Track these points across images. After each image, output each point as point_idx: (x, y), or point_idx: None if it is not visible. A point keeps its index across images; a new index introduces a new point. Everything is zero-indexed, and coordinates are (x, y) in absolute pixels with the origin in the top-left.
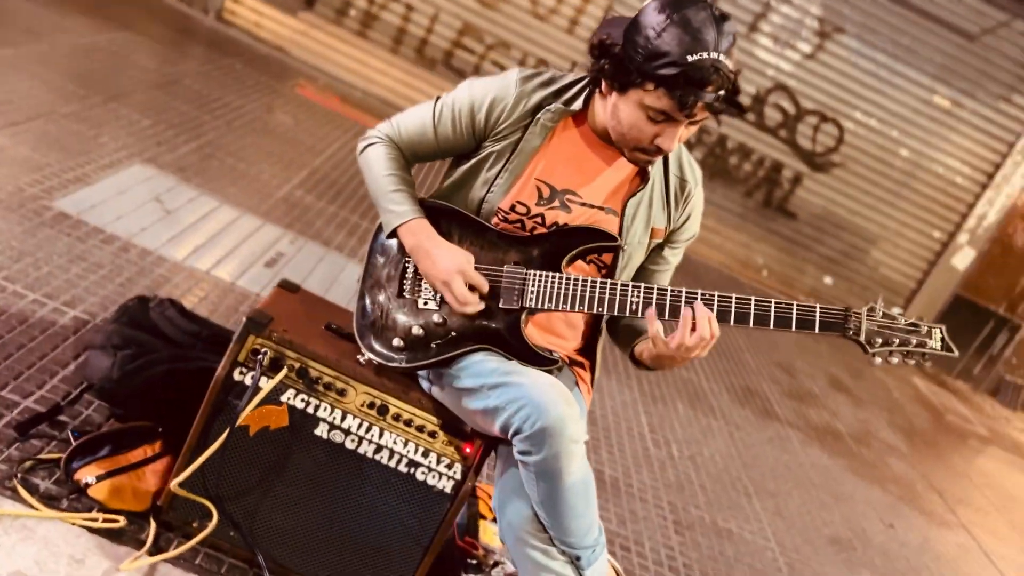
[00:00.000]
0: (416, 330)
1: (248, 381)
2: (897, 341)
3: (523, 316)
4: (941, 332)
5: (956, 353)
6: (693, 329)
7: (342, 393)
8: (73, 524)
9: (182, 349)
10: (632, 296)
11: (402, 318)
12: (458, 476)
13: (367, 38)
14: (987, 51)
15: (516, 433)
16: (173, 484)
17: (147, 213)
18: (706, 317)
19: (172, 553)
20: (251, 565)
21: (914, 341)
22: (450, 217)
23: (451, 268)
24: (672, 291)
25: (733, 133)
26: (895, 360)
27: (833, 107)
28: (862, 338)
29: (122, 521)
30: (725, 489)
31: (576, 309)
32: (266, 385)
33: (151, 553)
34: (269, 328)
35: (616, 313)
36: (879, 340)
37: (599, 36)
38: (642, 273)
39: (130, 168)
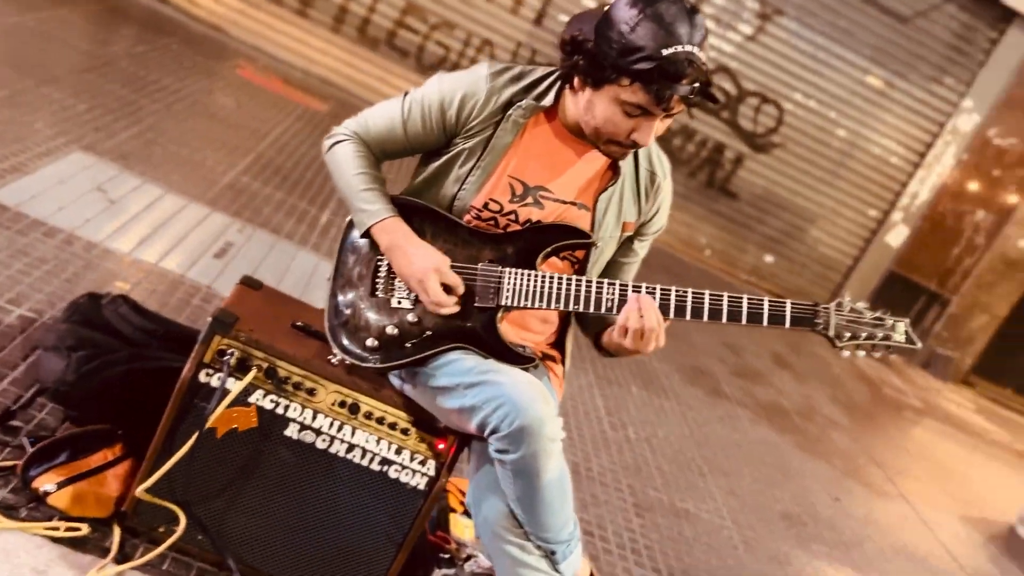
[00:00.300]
0: (391, 329)
1: (215, 382)
2: (864, 335)
3: (499, 314)
4: (905, 325)
5: (919, 345)
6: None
7: (312, 392)
8: (34, 534)
9: (139, 348)
10: (607, 293)
11: (376, 318)
12: (432, 473)
13: (307, 17)
14: (919, 33)
15: (493, 432)
16: (139, 490)
17: (90, 203)
18: (646, 307)
19: (139, 561)
20: (220, 568)
21: (880, 334)
22: (423, 215)
23: (427, 268)
24: (647, 288)
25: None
26: (861, 353)
27: (773, 88)
28: (831, 333)
29: (85, 529)
30: (681, 469)
31: (552, 307)
32: (235, 387)
33: (117, 561)
34: (235, 328)
35: (592, 311)
36: (847, 334)
37: (570, 32)
38: (611, 266)
39: (69, 156)
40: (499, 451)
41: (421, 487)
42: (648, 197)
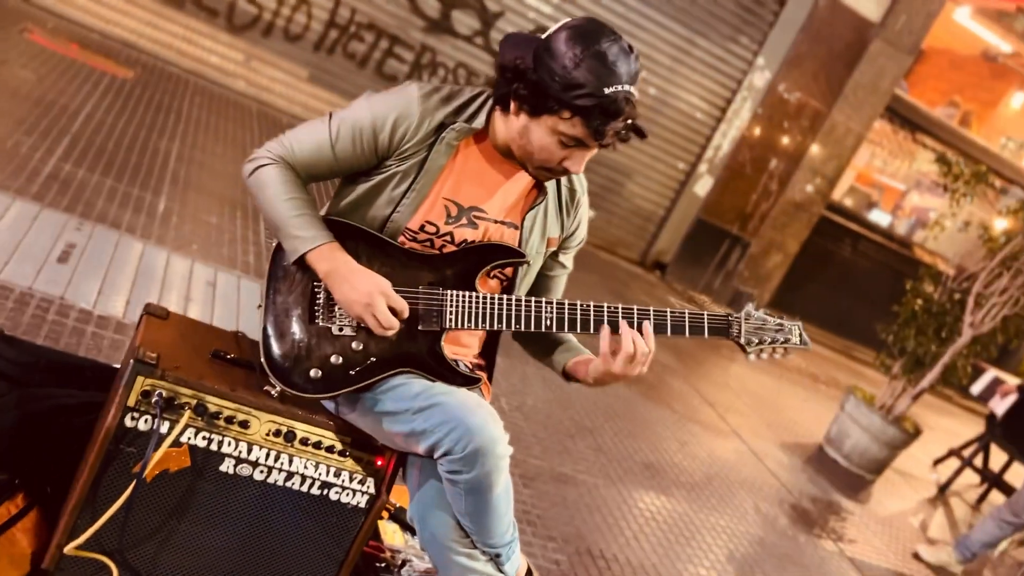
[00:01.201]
0: (334, 359)
1: (142, 426)
2: (768, 339)
3: (442, 337)
4: (799, 328)
5: (810, 346)
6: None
7: (245, 425)
8: None
9: (23, 388)
10: (545, 312)
11: (317, 347)
12: (371, 490)
13: None
14: None
15: (445, 454)
16: (69, 547)
17: None
18: (637, 335)
19: None
20: None
21: (781, 338)
22: (356, 237)
23: (373, 291)
24: (582, 306)
25: (485, 68)
26: (764, 356)
27: None
28: (742, 340)
29: None
30: (553, 434)
31: (494, 327)
32: (172, 431)
33: None
34: (159, 367)
35: (532, 329)
36: (755, 340)
37: (510, 58)
38: (540, 280)
39: None
40: (452, 472)
41: (362, 505)
42: (569, 213)
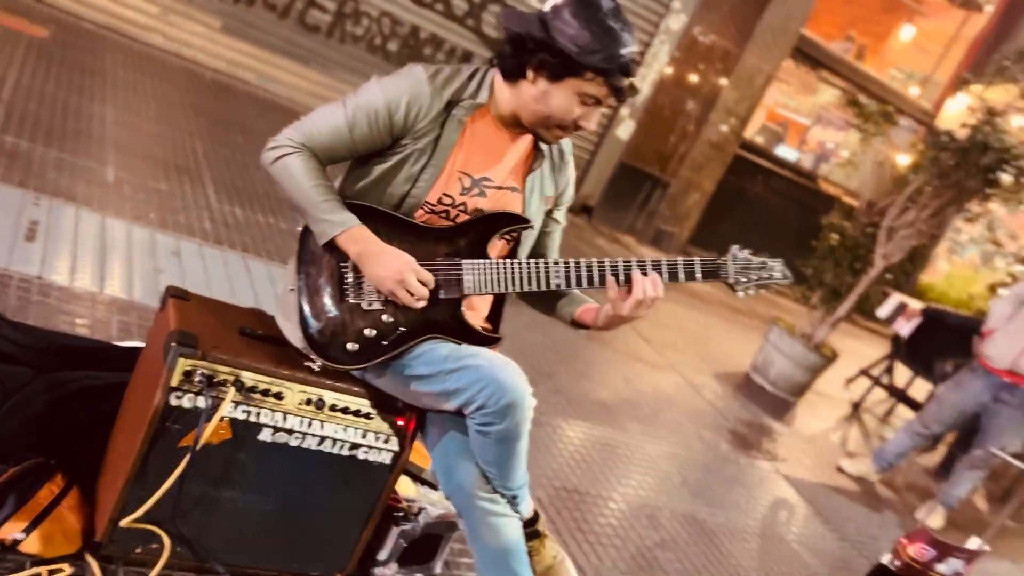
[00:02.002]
0: (368, 332)
1: (186, 404)
2: (755, 277)
3: (462, 303)
4: (780, 264)
5: (791, 279)
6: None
7: (279, 396)
8: None
9: (48, 372)
10: (553, 272)
11: (351, 323)
12: (395, 448)
13: None
14: None
15: (479, 409)
16: (125, 521)
17: None
18: (650, 282)
19: None
20: (200, 573)
21: (765, 275)
22: (375, 218)
23: (403, 268)
24: (586, 263)
25: (425, 24)
26: (752, 292)
27: None
28: (731, 280)
29: (68, 569)
30: None
31: (508, 290)
32: (220, 407)
33: None
34: (199, 348)
35: (543, 289)
36: (743, 279)
37: (519, 29)
38: (539, 238)
39: None
40: (484, 424)
41: (387, 462)
42: (562, 171)
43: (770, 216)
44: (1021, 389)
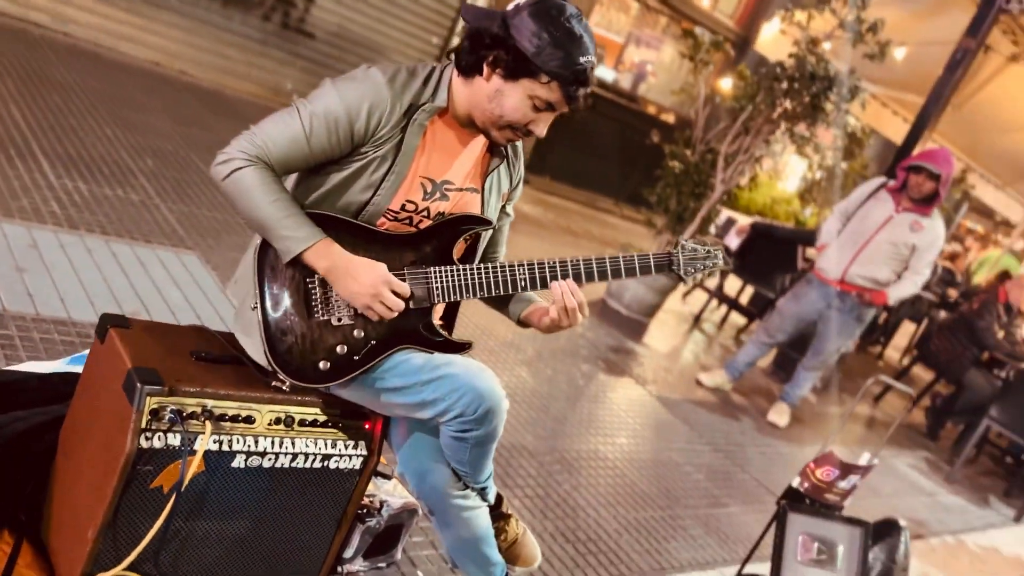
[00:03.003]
0: (340, 348)
1: (157, 444)
2: (701, 267)
3: (431, 311)
4: (721, 251)
5: (732, 265)
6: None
7: (250, 420)
8: None
9: None
10: (519, 273)
11: (321, 340)
12: (364, 452)
13: None
14: None
15: (456, 417)
16: (114, 572)
17: None
18: (567, 290)
19: None
20: None
21: (710, 263)
22: (336, 228)
23: (377, 281)
24: (548, 263)
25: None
26: (699, 277)
27: None
28: (681, 272)
29: None
30: None
31: (476, 296)
32: (203, 444)
33: None
34: (166, 385)
35: (509, 292)
36: (690, 269)
37: (480, 25)
38: (493, 232)
39: None
40: (462, 431)
41: (357, 467)
42: (515, 166)
43: (595, 137)
44: (851, 297)
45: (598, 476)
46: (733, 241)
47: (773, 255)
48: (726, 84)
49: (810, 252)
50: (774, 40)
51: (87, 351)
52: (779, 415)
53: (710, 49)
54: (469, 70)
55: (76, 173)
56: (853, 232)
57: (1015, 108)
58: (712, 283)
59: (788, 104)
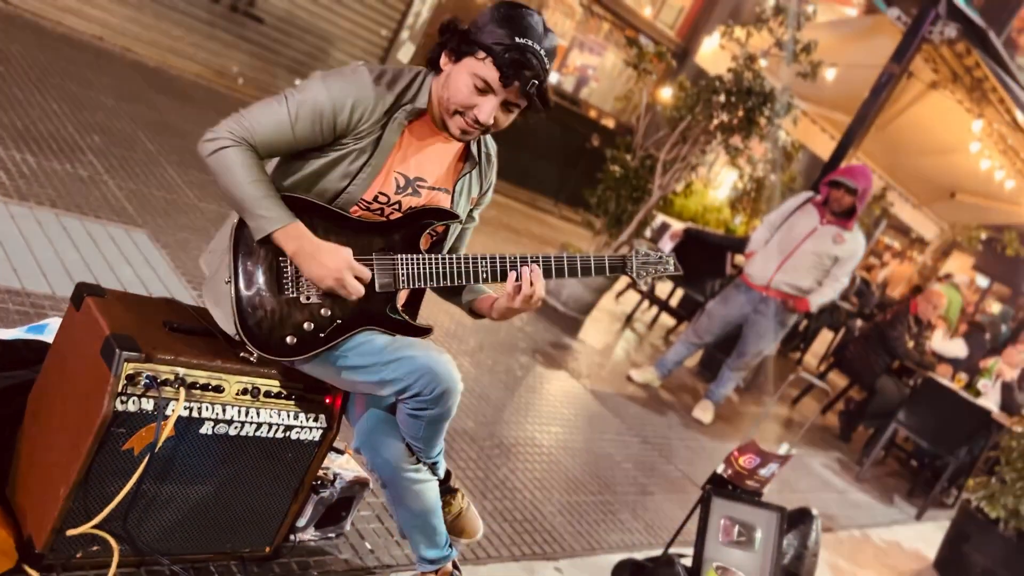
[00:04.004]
0: (307, 325)
1: (131, 408)
2: (653, 271)
3: (396, 295)
4: (672, 258)
5: (681, 272)
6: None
7: (219, 389)
8: None
9: None
10: (482, 266)
11: (289, 316)
12: (323, 424)
13: None
14: None
15: (415, 396)
16: (77, 530)
17: None
18: (536, 276)
19: None
20: (139, 567)
21: (661, 269)
22: (311, 212)
23: (340, 266)
24: (510, 257)
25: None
26: (650, 280)
27: None
28: (634, 275)
29: None
30: None
31: (440, 284)
32: (176, 409)
33: None
34: (143, 351)
35: (471, 283)
36: (644, 272)
37: (450, 18)
38: (459, 233)
39: None
40: (418, 409)
41: (316, 439)
42: (487, 175)
43: (537, 138)
44: (775, 302)
45: (534, 461)
46: (667, 245)
47: (703, 260)
48: (666, 93)
49: (739, 259)
50: (713, 54)
51: (45, 321)
52: (704, 412)
53: (653, 58)
54: (434, 63)
55: (24, 145)
56: (780, 242)
57: (932, 133)
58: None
59: (724, 116)
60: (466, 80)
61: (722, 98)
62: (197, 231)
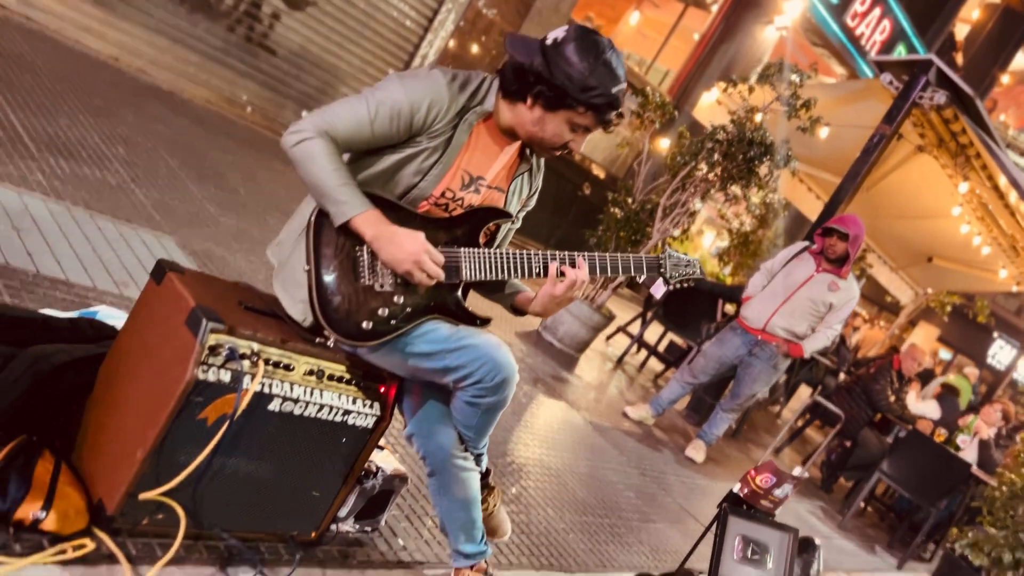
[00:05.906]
0: (382, 311)
1: (211, 377)
2: (683, 274)
3: (460, 287)
4: (698, 262)
5: (706, 276)
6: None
7: (288, 368)
8: (46, 564)
9: (21, 347)
10: (535, 260)
11: (366, 302)
12: (377, 412)
13: None
14: None
15: (475, 383)
16: (149, 494)
17: None
18: (579, 262)
19: (168, 556)
20: (197, 539)
21: (690, 272)
22: (381, 206)
23: (418, 249)
24: (560, 254)
25: None
26: (679, 285)
27: None
28: (668, 275)
29: (90, 544)
30: None
31: (498, 277)
32: (256, 380)
33: (133, 563)
34: (227, 324)
35: (525, 276)
36: (675, 274)
37: (522, 59)
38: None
39: None
40: (477, 396)
41: (370, 426)
42: (536, 177)
43: None
44: (770, 346)
45: (544, 481)
46: (659, 290)
47: (695, 306)
48: (664, 143)
49: (728, 308)
50: (710, 108)
51: (96, 307)
52: (696, 451)
53: (658, 108)
54: (514, 96)
55: (56, 150)
56: (777, 287)
57: (914, 197)
58: (635, 328)
59: (725, 163)
60: (564, 127)
61: (723, 146)
62: (220, 243)
